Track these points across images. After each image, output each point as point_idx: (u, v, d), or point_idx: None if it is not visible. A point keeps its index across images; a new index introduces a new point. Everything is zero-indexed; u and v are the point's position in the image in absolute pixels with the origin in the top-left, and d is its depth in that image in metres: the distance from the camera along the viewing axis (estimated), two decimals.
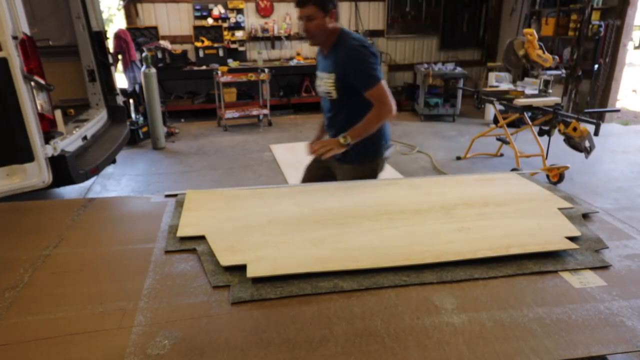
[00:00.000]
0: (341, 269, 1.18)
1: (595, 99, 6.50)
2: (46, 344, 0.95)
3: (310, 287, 1.13)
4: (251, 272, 1.16)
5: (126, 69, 6.59)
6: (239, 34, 7.35)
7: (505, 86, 5.28)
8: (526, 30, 4.48)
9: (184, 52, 6.98)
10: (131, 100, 6.05)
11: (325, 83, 2.00)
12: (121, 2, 7.01)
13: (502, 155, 5.17)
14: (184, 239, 1.37)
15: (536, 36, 4.43)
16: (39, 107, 2.83)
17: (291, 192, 1.76)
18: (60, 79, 3.95)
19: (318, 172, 2.21)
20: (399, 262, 1.21)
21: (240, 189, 1.78)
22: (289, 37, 7.61)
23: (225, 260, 1.22)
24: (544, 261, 1.24)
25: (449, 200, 1.64)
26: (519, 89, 4.76)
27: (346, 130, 1.94)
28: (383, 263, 1.21)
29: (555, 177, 4.27)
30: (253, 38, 7.48)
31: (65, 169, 3.01)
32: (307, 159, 2.20)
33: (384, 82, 1.92)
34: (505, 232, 1.38)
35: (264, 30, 7.39)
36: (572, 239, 1.34)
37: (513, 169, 4.16)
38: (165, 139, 5.78)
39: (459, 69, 7.07)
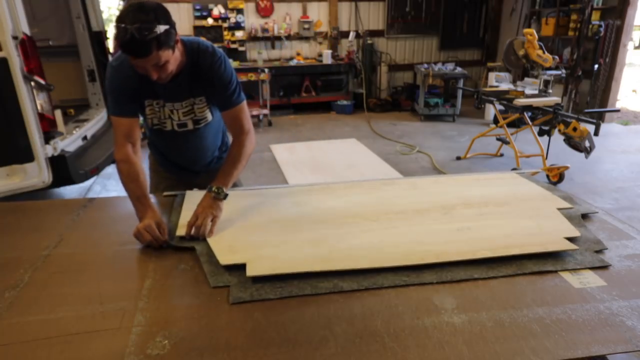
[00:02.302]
0: (341, 268, 1.18)
1: (595, 99, 6.50)
2: (46, 344, 0.95)
3: (310, 287, 1.13)
4: (251, 271, 1.16)
5: None
6: (239, 34, 7.35)
7: (505, 86, 5.27)
8: (526, 30, 4.48)
9: None
10: None
11: (189, 112, 1.60)
12: (121, 2, 7.01)
13: (502, 155, 5.17)
14: (183, 239, 1.37)
15: (536, 36, 4.43)
16: (39, 107, 2.83)
17: (291, 192, 1.76)
18: (60, 79, 3.95)
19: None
20: (398, 262, 1.21)
21: (240, 189, 1.78)
22: (289, 37, 7.61)
23: (225, 259, 1.22)
24: (544, 261, 1.24)
25: (449, 200, 1.64)
26: (519, 89, 4.76)
27: (219, 152, 1.81)
28: (383, 263, 1.21)
29: (555, 177, 4.27)
30: (253, 38, 7.48)
31: (65, 169, 3.01)
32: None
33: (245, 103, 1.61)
34: (504, 233, 1.38)
35: (264, 30, 7.39)
36: (571, 239, 1.34)
37: (513, 169, 4.16)
38: None
39: (459, 69, 7.07)
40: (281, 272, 1.16)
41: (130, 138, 1.53)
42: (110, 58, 4.40)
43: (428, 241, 1.33)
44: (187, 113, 1.59)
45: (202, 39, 1.54)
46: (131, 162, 1.49)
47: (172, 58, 1.36)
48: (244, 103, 1.60)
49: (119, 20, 1.24)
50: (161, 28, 1.25)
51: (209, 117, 1.64)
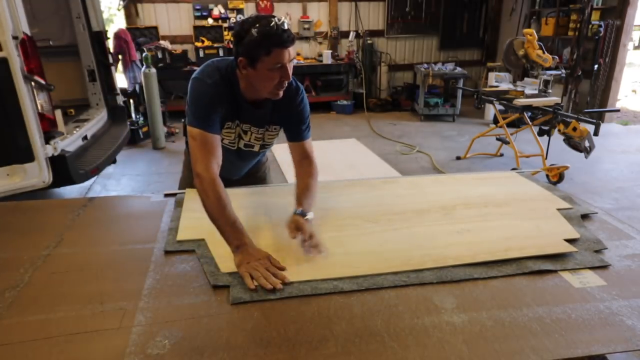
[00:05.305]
0: (341, 276, 1.18)
1: (595, 99, 6.50)
2: (46, 344, 0.95)
3: (310, 288, 1.13)
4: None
5: (126, 69, 6.59)
6: None
7: (505, 86, 5.27)
8: (526, 30, 4.48)
9: (184, 52, 6.98)
10: (131, 100, 6.05)
11: (261, 138, 1.64)
12: (121, 2, 7.01)
13: (502, 155, 5.17)
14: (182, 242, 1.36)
15: (536, 36, 4.43)
16: (39, 107, 2.83)
17: (291, 191, 1.76)
18: (61, 79, 3.95)
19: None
20: (398, 267, 1.21)
21: (240, 188, 1.78)
22: None
23: (226, 266, 1.22)
24: (544, 261, 1.24)
25: (449, 200, 1.64)
26: (519, 89, 4.76)
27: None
28: (382, 269, 1.20)
29: (555, 177, 4.27)
30: None
31: (65, 169, 3.01)
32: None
33: None
34: (504, 235, 1.38)
35: None
36: (571, 241, 1.34)
37: (513, 169, 4.15)
38: (165, 138, 5.78)
39: (459, 69, 7.07)
40: None
41: (217, 156, 1.41)
42: (110, 58, 4.40)
43: (428, 245, 1.33)
44: (259, 139, 1.63)
45: None
46: (221, 186, 1.34)
47: None
48: (310, 138, 1.64)
49: (257, 22, 1.29)
50: None
51: (274, 143, 1.70)
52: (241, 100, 1.48)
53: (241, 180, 1.87)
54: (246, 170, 1.87)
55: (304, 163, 1.57)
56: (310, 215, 1.39)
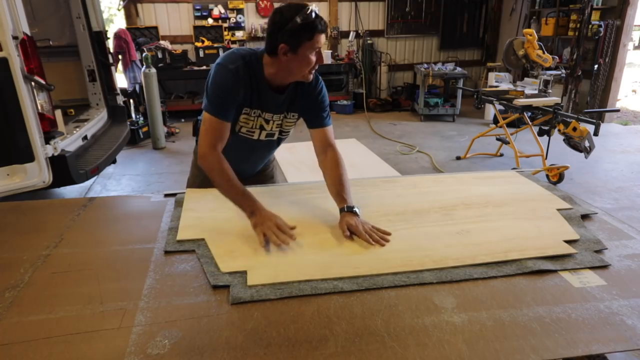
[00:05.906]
0: (341, 276, 1.18)
1: (595, 99, 6.50)
2: (46, 344, 0.95)
3: (310, 288, 1.13)
4: (251, 280, 1.15)
5: (126, 69, 6.60)
6: (239, 34, 7.36)
7: (505, 86, 5.28)
8: (526, 30, 4.49)
9: (184, 52, 6.98)
10: (131, 100, 6.06)
11: (280, 125, 1.66)
12: (121, 2, 7.02)
13: (502, 155, 5.17)
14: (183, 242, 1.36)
15: (536, 36, 4.44)
16: (39, 107, 2.83)
17: (291, 190, 1.76)
18: (61, 79, 3.96)
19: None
20: (398, 268, 1.21)
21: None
22: None
23: (226, 266, 1.22)
24: (544, 261, 1.24)
25: (449, 200, 1.64)
26: (519, 89, 4.76)
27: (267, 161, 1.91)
28: (383, 269, 1.20)
29: (555, 177, 4.28)
30: (253, 38, 7.49)
31: (65, 169, 3.01)
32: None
33: None
34: (504, 236, 1.38)
35: (264, 30, 7.40)
36: (571, 242, 1.34)
37: (513, 169, 4.15)
38: (165, 138, 5.78)
39: (459, 69, 7.07)
40: (282, 280, 1.16)
41: (223, 141, 1.51)
42: (110, 58, 4.40)
43: (428, 246, 1.33)
44: (278, 125, 1.67)
45: None
46: (226, 162, 1.48)
47: None
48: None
49: (298, 11, 1.37)
50: None
51: (291, 132, 1.74)
52: (263, 87, 1.51)
53: (251, 179, 1.88)
54: (260, 166, 1.90)
55: (328, 152, 1.60)
56: (357, 208, 1.45)
